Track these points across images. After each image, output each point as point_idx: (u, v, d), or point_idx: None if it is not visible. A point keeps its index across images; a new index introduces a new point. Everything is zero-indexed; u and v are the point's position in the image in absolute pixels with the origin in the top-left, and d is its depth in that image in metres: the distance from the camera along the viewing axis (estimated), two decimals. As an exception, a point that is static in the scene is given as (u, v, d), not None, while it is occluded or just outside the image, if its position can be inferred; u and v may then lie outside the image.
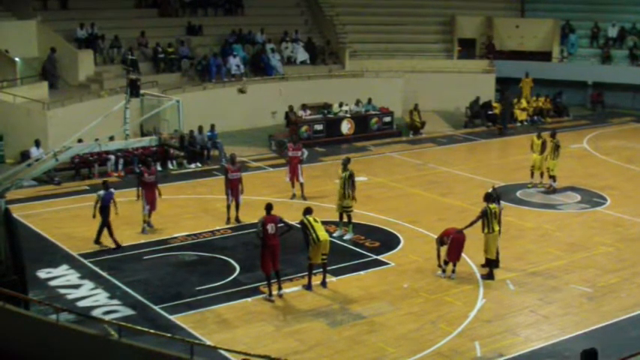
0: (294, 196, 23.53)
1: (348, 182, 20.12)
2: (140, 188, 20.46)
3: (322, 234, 17.04)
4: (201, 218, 21.89)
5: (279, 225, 16.75)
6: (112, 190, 19.82)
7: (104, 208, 19.33)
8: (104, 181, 20.58)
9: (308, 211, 17.38)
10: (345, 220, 20.45)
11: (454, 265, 17.91)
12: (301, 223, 17.18)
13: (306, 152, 24.29)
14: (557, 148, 24.71)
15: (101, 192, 19.43)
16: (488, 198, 18.08)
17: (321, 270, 17.44)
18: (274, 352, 13.68)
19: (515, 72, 38.34)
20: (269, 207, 16.93)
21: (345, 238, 20.24)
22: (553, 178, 24.84)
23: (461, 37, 41.11)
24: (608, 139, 32.80)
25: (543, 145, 24.97)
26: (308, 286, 17.25)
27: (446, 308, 16.31)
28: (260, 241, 16.66)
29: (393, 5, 41.97)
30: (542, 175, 25.10)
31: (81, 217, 21.78)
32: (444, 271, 17.96)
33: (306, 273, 17.29)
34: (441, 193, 24.72)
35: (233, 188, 21.33)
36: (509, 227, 20.90)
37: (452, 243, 17.72)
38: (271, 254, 16.58)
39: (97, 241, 19.53)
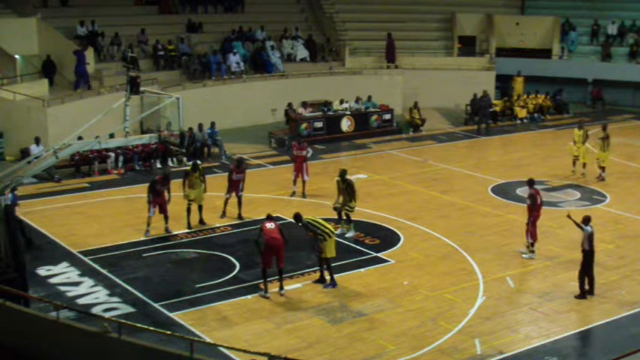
0: (294, 194, 23.53)
1: (351, 188, 20.13)
2: (150, 195, 20.36)
3: (330, 226, 17.20)
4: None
5: (278, 223, 16.74)
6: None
7: None
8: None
9: (296, 215, 17.17)
10: (345, 218, 20.44)
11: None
12: (305, 225, 16.96)
13: (310, 151, 24.34)
14: (606, 138, 25.63)
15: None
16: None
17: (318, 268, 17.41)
18: (274, 349, 13.68)
19: (516, 69, 38.37)
20: (269, 216, 17.04)
21: (347, 235, 20.19)
22: (602, 168, 25.78)
23: (461, 34, 41.15)
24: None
25: (585, 136, 26.07)
26: (333, 283, 17.06)
27: (446, 305, 16.29)
28: (262, 245, 16.37)
29: (393, 2, 41.98)
30: (584, 165, 25.95)
31: (81, 214, 21.78)
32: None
33: (305, 270, 17.22)
34: (441, 190, 24.69)
35: (234, 186, 21.47)
36: (510, 225, 20.91)
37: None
38: (274, 251, 16.39)
39: None
